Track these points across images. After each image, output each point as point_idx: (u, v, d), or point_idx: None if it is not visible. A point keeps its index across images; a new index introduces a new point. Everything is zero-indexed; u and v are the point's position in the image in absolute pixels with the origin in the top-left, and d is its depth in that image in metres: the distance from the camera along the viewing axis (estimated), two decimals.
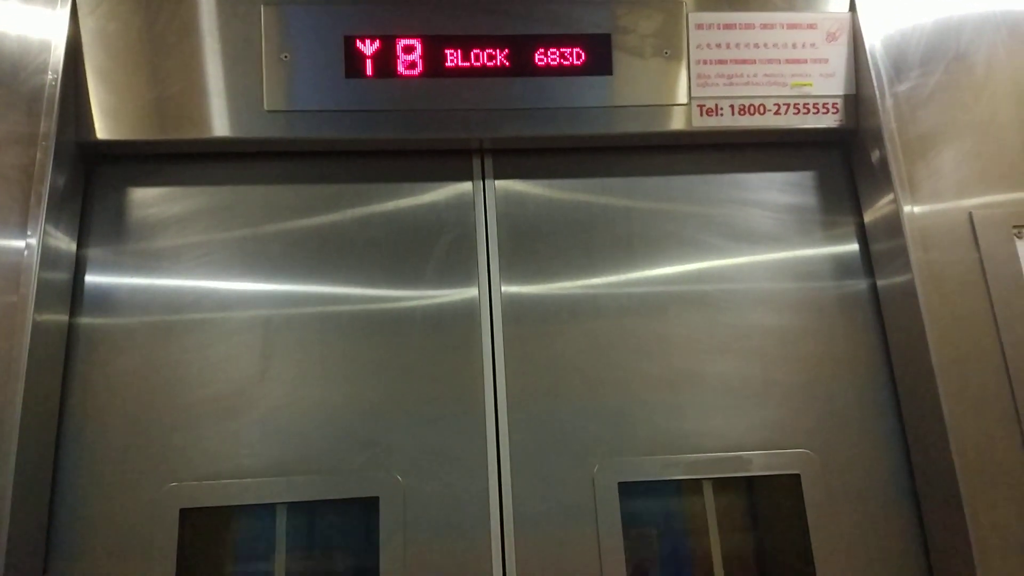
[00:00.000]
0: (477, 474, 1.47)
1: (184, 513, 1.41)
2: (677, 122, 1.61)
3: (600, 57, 1.59)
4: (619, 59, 1.60)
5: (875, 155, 1.58)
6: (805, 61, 1.63)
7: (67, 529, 1.39)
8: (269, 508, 1.48)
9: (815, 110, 1.62)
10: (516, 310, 1.57)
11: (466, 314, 1.56)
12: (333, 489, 1.46)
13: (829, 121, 1.63)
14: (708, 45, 1.61)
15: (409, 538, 1.42)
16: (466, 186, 1.64)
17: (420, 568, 1.41)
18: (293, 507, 1.49)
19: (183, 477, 1.43)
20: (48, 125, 1.42)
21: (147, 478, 1.42)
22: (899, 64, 1.60)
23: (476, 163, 1.65)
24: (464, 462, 1.48)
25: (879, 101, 1.57)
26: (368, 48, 1.55)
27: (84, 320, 1.49)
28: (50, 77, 1.44)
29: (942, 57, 1.60)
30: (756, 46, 1.62)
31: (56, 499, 1.40)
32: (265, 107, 1.54)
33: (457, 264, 1.59)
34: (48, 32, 1.47)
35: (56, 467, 1.41)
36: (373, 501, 1.45)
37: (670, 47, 1.61)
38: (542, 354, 1.55)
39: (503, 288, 1.58)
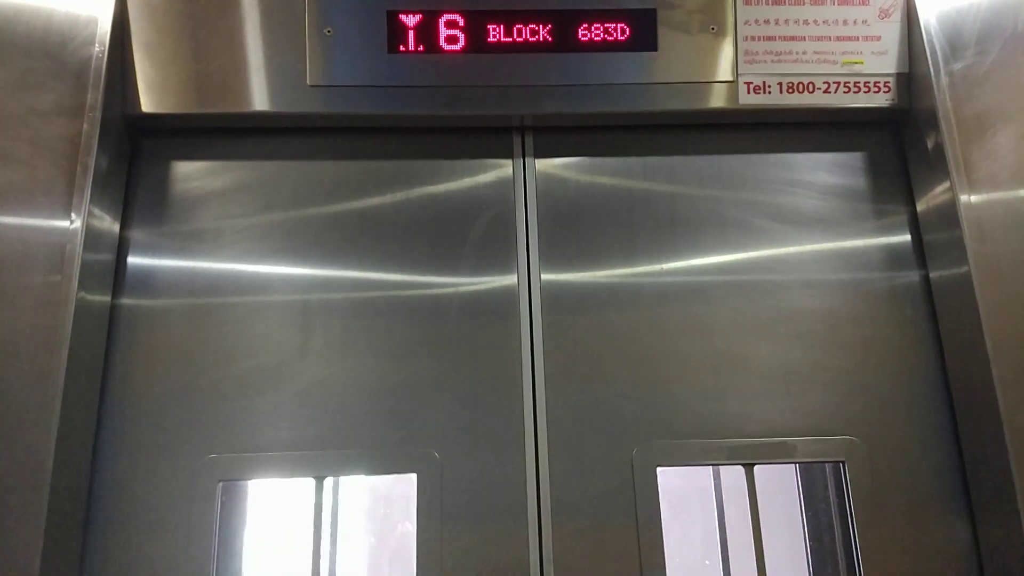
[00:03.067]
0: (514, 454, 1.46)
1: (223, 485, 1.41)
2: (723, 99, 1.57)
3: (645, 33, 1.56)
4: (664, 35, 1.57)
5: (930, 138, 1.53)
6: (856, 38, 1.58)
7: (107, 499, 1.39)
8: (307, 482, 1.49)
9: (866, 88, 1.58)
10: (555, 296, 1.54)
11: (504, 300, 1.54)
12: (371, 465, 1.45)
13: (881, 100, 1.58)
14: (756, 21, 1.58)
15: (446, 515, 1.41)
16: (506, 164, 1.62)
17: (456, 544, 1.40)
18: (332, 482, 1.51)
19: (223, 449, 1.43)
20: (95, 97, 1.43)
21: (187, 450, 1.42)
22: (954, 42, 1.54)
23: (517, 141, 1.63)
24: (502, 442, 1.46)
25: (934, 79, 1.52)
26: (411, 23, 1.54)
27: (126, 301, 1.50)
28: (97, 49, 1.45)
29: (999, 35, 1.54)
30: (806, 22, 1.58)
31: (97, 469, 1.41)
32: (308, 82, 1.54)
33: (496, 248, 1.57)
34: (95, 5, 1.48)
35: (97, 439, 1.42)
36: (410, 478, 1.44)
37: (717, 23, 1.58)
38: (581, 337, 1.52)
39: (543, 275, 1.55)
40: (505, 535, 1.41)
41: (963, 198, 1.46)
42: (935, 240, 1.55)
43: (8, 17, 1.44)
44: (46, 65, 1.43)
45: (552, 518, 1.42)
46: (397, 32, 1.54)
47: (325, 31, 1.54)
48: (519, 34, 1.55)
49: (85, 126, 1.41)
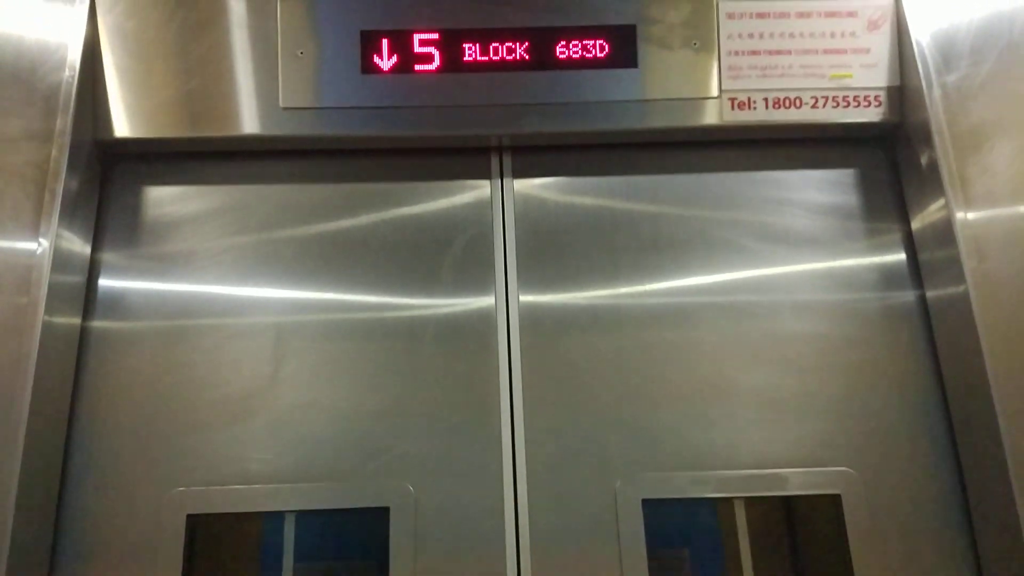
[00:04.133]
0: (492, 486, 1.40)
1: (191, 519, 1.37)
2: (707, 116, 1.53)
3: (624, 49, 1.52)
4: (645, 51, 1.53)
5: (924, 153, 1.48)
6: (845, 51, 1.53)
7: (74, 531, 1.36)
8: (277, 515, 1.44)
9: (856, 103, 1.53)
10: (534, 319, 1.50)
11: (482, 323, 1.50)
12: (343, 497, 1.40)
13: (872, 115, 1.53)
14: (740, 35, 1.54)
15: (420, 550, 1.35)
16: (483, 184, 1.59)
17: None
18: (302, 515, 1.45)
19: (190, 482, 1.39)
20: (64, 122, 1.41)
21: (155, 482, 1.39)
22: (947, 53, 1.49)
23: (495, 161, 1.60)
24: (479, 473, 1.41)
25: (926, 92, 1.47)
26: (384, 43, 1.52)
27: (96, 323, 1.48)
28: (67, 74, 1.44)
29: (993, 46, 1.48)
30: (791, 36, 1.54)
31: (64, 501, 1.37)
32: (281, 104, 1.52)
33: (473, 270, 1.53)
34: (66, 30, 1.47)
35: (64, 469, 1.39)
36: (383, 511, 1.38)
37: (699, 38, 1.54)
38: (561, 364, 1.47)
39: (520, 297, 1.51)
40: (482, 571, 1.35)
41: (959, 215, 1.40)
42: (931, 259, 1.48)
43: None
44: (15, 91, 1.42)
45: (531, 553, 1.36)
46: (370, 52, 1.52)
47: (298, 53, 1.52)
48: (495, 52, 1.52)
49: (54, 151, 1.40)
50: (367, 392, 1.45)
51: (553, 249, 1.54)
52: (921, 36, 1.51)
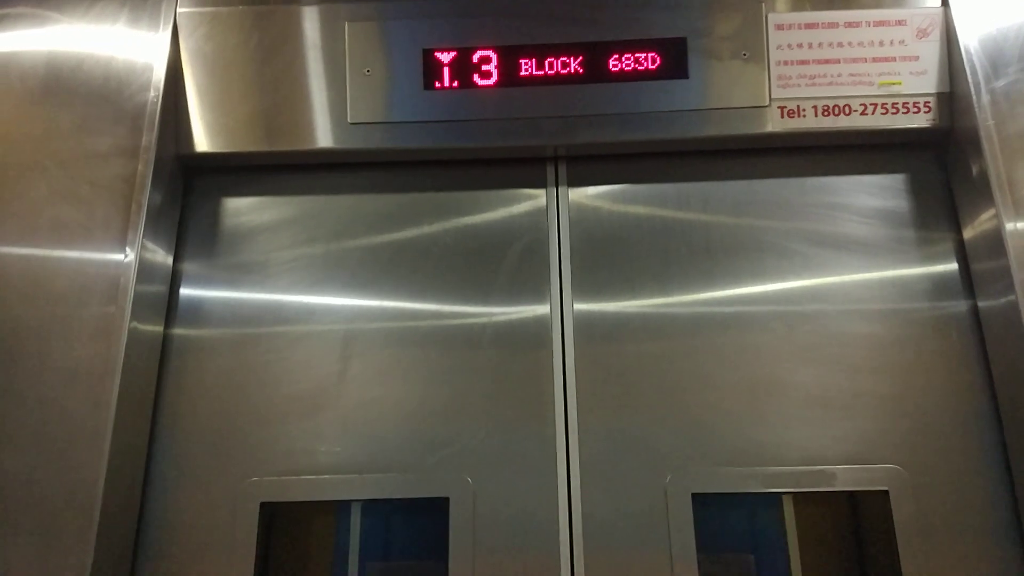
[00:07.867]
0: (547, 479, 1.46)
1: (264, 507, 1.46)
2: (757, 125, 1.57)
3: (675, 61, 1.57)
4: (695, 62, 1.58)
5: (974, 160, 1.49)
6: (894, 59, 1.56)
7: (157, 519, 1.46)
8: (344, 504, 1.53)
9: (905, 109, 1.55)
10: (588, 326, 1.55)
11: (537, 330, 1.56)
12: (406, 488, 1.48)
13: (921, 121, 1.55)
14: (789, 46, 1.57)
15: (478, 539, 1.42)
16: (539, 194, 1.65)
17: (488, 569, 1.41)
18: (368, 504, 1.54)
19: (264, 473, 1.48)
20: (149, 139, 1.52)
21: (231, 473, 1.48)
22: (995, 59, 1.50)
23: (550, 171, 1.66)
24: (534, 467, 1.47)
25: (975, 98, 1.48)
26: (445, 60, 1.60)
27: (178, 331, 1.58)
28: (152, 95, 1.55)
29: None
30: (840, 45, 1.57)
31: (147, 490, 1.48)
32: (349, 120, 1.60)
33: (529, 277, 1.59)
34: (151, 53, 1.58)
35: (148, 462, 1.49)
36: (444, 501, 1.45)
37: (748, 49, 1.58)
38: (614, 367, 1.52)
39: (575, 305, 1.57)
40: (537, 561, 1.42)
41: (1009, 226, 1.41)
42: (982, 269, 1.50)
43: (72, 66, 1.56)
44: (105, 110, 1.54)
45: (584, 544, 1.42)
46: (432, 69, 1.60)
47: (364, 71, 1.60)
48: (551, 67, 1.59)
49: (140, 166, 1.50)
50: (429, 391, 1.52)
51: (607, 257, 1.60)
52: (970, 43, 1.53)
